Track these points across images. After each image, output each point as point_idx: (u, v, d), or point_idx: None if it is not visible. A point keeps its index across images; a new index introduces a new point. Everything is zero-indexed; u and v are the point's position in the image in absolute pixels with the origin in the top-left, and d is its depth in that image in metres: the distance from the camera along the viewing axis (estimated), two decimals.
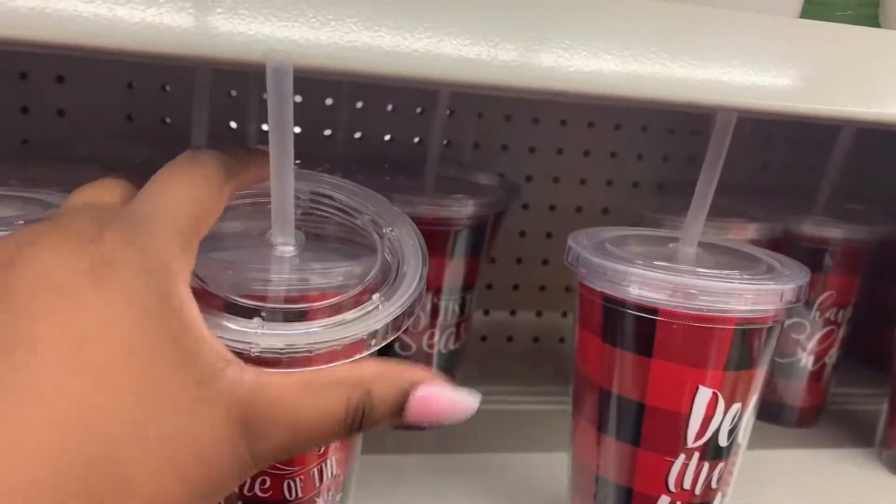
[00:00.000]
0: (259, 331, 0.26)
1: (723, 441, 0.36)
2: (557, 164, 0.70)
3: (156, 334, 0.23)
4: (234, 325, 0.26)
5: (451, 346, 0.54)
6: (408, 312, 0.28)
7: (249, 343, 0.25)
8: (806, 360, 0.58)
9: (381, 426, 0.26)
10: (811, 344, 0.58)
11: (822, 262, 0.56)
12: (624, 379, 0.36)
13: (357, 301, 0.28)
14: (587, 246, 0.37)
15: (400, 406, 0.25)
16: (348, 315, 0.27)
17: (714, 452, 0.36)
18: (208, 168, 0.27)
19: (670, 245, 0.39)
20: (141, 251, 0.23)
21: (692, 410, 0.35)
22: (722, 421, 0.35)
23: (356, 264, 0.30)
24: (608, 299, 0.36)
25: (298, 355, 0.26)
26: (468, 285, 0.53)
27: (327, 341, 0.26)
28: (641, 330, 0.35)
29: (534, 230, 0.71)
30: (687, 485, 0.36)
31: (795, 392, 0.59)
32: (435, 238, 0.49)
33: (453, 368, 0.55)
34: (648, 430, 0.36)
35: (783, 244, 0.56)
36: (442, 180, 0.54)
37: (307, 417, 0.24)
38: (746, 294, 0.34)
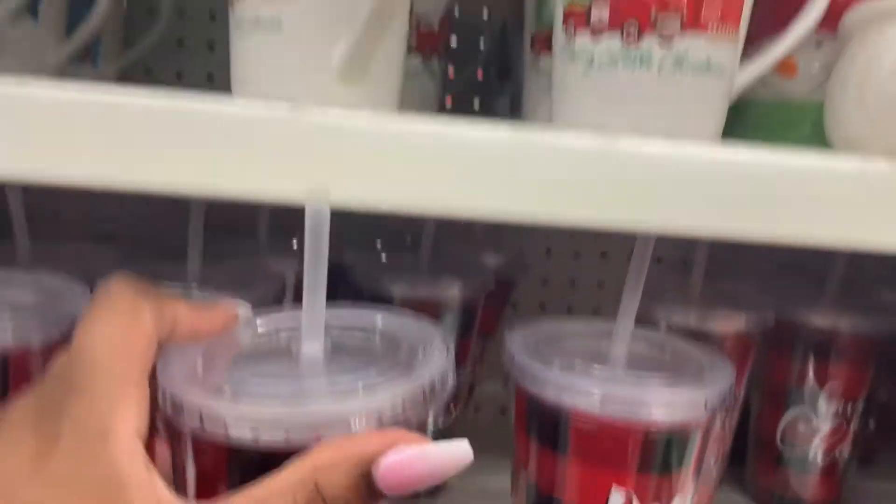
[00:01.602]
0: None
1: None
2: (578, 238, 0.71)
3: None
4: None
5: (440, 426, 0.55)
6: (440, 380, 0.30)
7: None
8: (814, 453, 0.56)
9: None
10: (819, 437, 0.56)
11: (826, 353, 0.54)
12: (544, 474, 0.37)
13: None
14: (519, 343, 0.39)
15: (364, 487, 0.23)
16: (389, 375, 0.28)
17: None
18: (132, 302, 0.27)
19: (603, 343, 0.40)
20: (76, 418, 0.24)
21: None
22: None
23: (380, 358, 0.32)
24: (530, 398, 0.37)
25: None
26: (457, 364, 0.55)
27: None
28: (558, 429, 0.36)
29: (554, 307, 0.72)
30: None
31: (804, 486, 0.57)
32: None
33: None
34: None
35: (781, 334, 0.54)
36: (441, 261, 0.56)
37: None
38: (654, 404, 0.34)
